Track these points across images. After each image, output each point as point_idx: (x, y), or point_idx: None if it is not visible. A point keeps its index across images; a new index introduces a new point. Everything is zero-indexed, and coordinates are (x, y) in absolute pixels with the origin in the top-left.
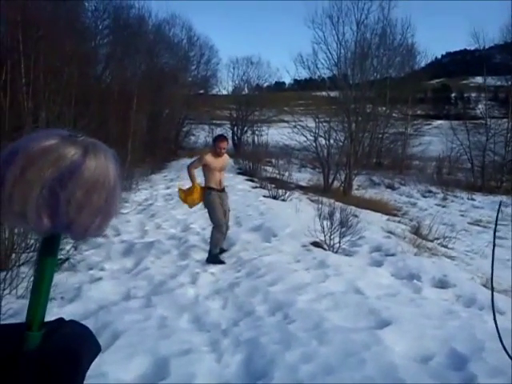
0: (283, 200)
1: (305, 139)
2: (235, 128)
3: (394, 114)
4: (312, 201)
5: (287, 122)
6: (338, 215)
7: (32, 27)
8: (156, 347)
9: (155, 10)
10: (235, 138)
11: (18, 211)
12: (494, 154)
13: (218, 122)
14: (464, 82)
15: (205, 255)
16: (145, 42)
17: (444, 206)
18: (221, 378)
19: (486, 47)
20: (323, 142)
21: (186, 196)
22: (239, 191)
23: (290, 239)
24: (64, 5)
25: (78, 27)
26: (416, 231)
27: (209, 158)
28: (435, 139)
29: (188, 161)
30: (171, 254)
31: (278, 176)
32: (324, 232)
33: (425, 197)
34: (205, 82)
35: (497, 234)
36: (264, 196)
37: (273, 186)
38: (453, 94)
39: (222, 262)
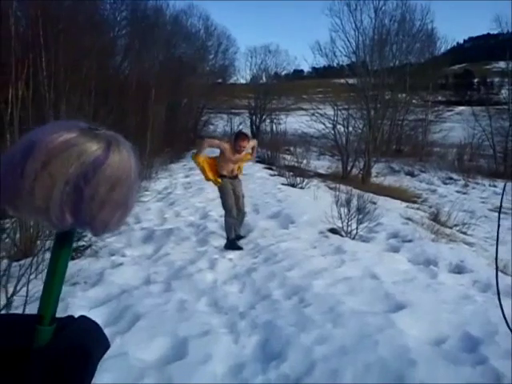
0: (301, 188)
1: (323, 127)
2: (253, 117)
3: (414, 101)
4: (330, 188)
5: (306, 109)
6: (355, 202)
7: (52, 21)
8: (175, 329)
9: (172, 1)
10: (254, 126)
11: (40, 206)
12: None
13: (237, 110)
14: (487, 66)
15: (223, 242)
16: (162, 33)
17: (465, 193)
18: (237, 359)
19: (510, 31)
20: (342, 129)
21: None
22: (258, 179)
23: (307, 226)
24: None
25: (96, 19)
26: (435, 218)
27: (227, 150)
28: (457, 125)
29: (207, 150)
30: (190, 240)
31: (296, 164)
32: (341, 219)
33: (445, 184)
34: (223, 72)
35: None
36: (282, 184)
37: (291, 173)
38: (475, 80)
39: (239, 248)
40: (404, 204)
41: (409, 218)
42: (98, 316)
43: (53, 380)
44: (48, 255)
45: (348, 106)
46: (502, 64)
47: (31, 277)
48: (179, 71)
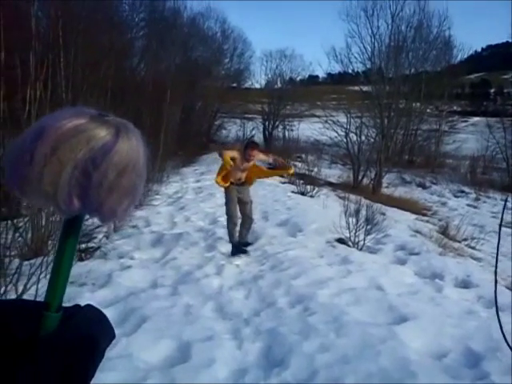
0: (311, 196)
1: (336, 135)
2: (266, 122)
3: (428, 110)
4: (340, 197)
5: (319, 116)
6: (364, 212)
7: (72, 22)
8: (180, 332)
9: (190, 3)
10: (266, 132)
11: (48, 191)
12: None
13: (250, 115)
14: (505, 76)
15: (230, 248)
16: (179, 35)
17: (475, 207)
18: (240, 364)
19: None
20: (354, 137)
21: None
22: (268, 186)
23: (315, 235)
24: None
25: (115, 20)
26: (443, 231)
27: (237, 157)
28: (471, 137)
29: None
30: (198, 245)
31: (307, 172)
32: (349, 229)
33: (456, 197)
34: (238, 76)
35: None
36: (292, 192)
37: (301, 181)
38: (492, 90)
39: (243, 252)
40: (413, 216)
41: (417, 231)
42: None
43: (60, 367)
44: None
45: (361, 114)
46: None
47: (41, 276)
48: (195, 74)
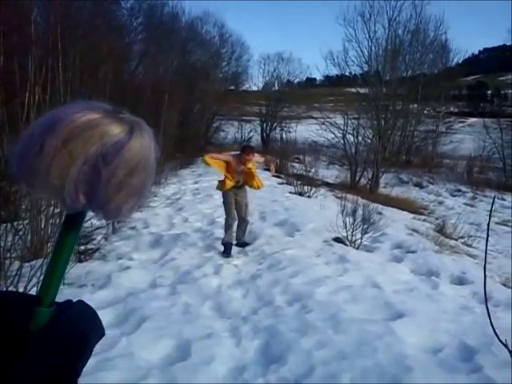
0: (309, 196)
1: (333, 136)
2: (264, 124)
3: (425, 112)
4: (337, 198)
5: (316, 118)
6: (360, 212)
7: (72, 27)
8: (180, 331)
9: (188, 8)
10: (264, 134)
11: (55, 184)
12: None
13: (248, 118)
14: (501, 78)
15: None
16: (178, 39)
17: (472, 206)
18: (239, 361)
19: None
20: (351, 139)
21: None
22: (266, 187)
23: (312, 235)
24: (102, 4)
25: (114, 26)
26: (440, 230)
27: (233, 161)
28: (467, 137)
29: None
30: (197, 246)
31: (304, 173)
32: (346, 228)
33: (453, 196)
34: (235, 79)
35: None
36: (290, 192)
37: (299, 182)
38: (489, 91)
39: (227, 253)
40: (411, 215)
41: (414, 230)
42: (105, 317)
43: (49, 363)
44: None
45: (358, 116)
46: None
47: (41, 277)
48: (193, 77)
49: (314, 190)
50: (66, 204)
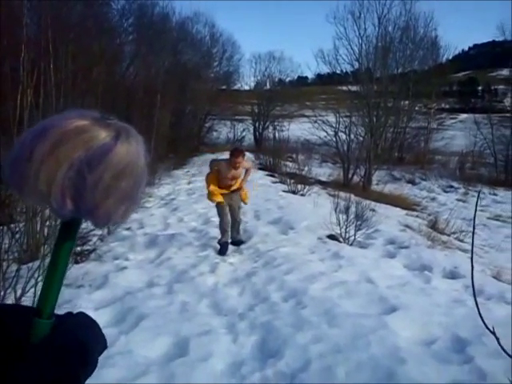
0: (302, 195)
1: (325, 134)
2: (257, 123)
3: (416, 108)
4: (331, 195)
5: (308, 116)
6: (353, 209)
7: (63, 30)
8: (178, 329)
9: (179, 8)
10: (257, 133)
11: (42, 190)
12: None
13: (240, 117)
14: (491, 74)
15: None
16: (168, 40)
17: (464, 201)
18: (236, 357)
19: None
20: (344, 137)
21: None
22: (259, 186)
23: (306, 232)
24: (92, 6)
25: (105, 27)
26: (433, 225)
27: (223, 168)
28: (459, 133)
29: (210, 156)
30: (192, 245)
31: (297, 171)
32: (340, 225)
33: (446, 192)
34: (227, 78)
35: None
36: (283, 191)
37: (292, 181)
38: (479, 87)
39: (222, 251)
40: (403, 212)
41: (407, 225)
42: (103, 316)
43: (50, 374)
44: None
45: (350, 114)
46: (506, 71)
47: (39, 279)
48: (184, 77)
49: (307, 188)
50: (55, 210)
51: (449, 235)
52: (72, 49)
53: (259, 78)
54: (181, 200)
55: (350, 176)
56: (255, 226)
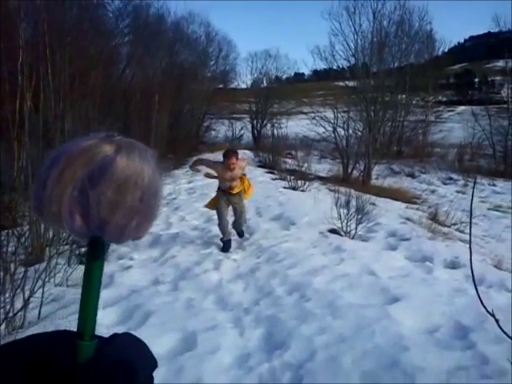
0: (302, 191)
1: (324, 130)
2: (255, 121)
3: (414, 102)
4: (331, 191)
5: (306, 113)
6: (354, 203)
7: (59, 34)
8: (184, 324)
9: (174, 8)
10: (255, 131)
11: (54, 212)
12: None
13: (238, 115)
14: (488, 65)
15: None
16: (164, 40)
17: (464, 193)
18: (243, 349)
19: (510, 29)
20: (342, 132)
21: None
22: (259, 183)
23: (308, 227)
24: (88, 9)
25: (101, 29)
26: (433, 217)
27: (220, 169)
28: (457, 125)
29: (209, 156)
30: (195, 243)
31: (297, 168)
32: (341, 219)
33: (445, 184)
34: (224, 77)
35: None
36: (283, 187)
37: (292, 177)
38: (476, 79)
39: (224, 248)
40: (404, 205)
41: (407, 218)
42: (110, 315)
43: None
44: (59, 260)
45: (348, 109)
46: (502, 63)
47: (46, 280)
48: (181, 78)
49: (307, 184)
50: (69, 229)
51: (449, 226)
52: (69, 52)
53: (256, 75)
54: (182, 199)
55: (349, 171)
56: (257, 223)
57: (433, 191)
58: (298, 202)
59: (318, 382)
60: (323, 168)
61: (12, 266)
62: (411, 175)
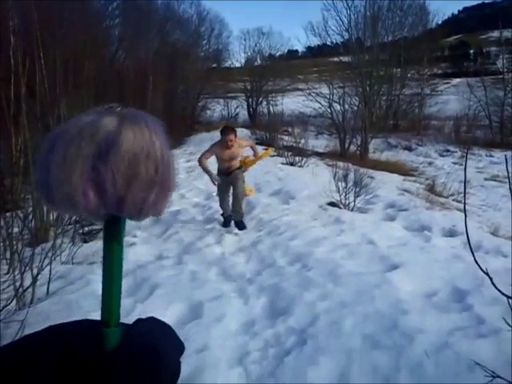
0: (300, 166)
1: (319, 106)
2: (250, 99)
3: (409, 75)
4: (329, 165)
5: (302, 90)
6: (352, 176)
7: (49, 23)
8: (190, 295)
9: None
10: (250, 109)
11: (66, 196)
12: None
13: (233, 94)
14: (483, 36)
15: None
16: (155, 21)
17: (461, 164)
18: (248, 316)
19: None
20: (338, 107)
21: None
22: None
23: (307, 201)
24: None
25: (91, 12)
26: (430, 188)
27: (217, 150)
28: (453, 98)
29: (205, 135)
30: (197, 219)
31: (294, 144)
32: (339, 192)
33: (442, 156)
34: (217, 56)
35: None
36: (282, 163)
37: (290, 153)
38: (471, 50)
39: (226, 224)
40: (401, 177)
41: (405, 190)
42: None
43: (129, 380)
44: (64, 240)
45: (343, 84)
46: (496, 33)
47: (52, 258)
48: (174, 58)
49: (305, 159)
50: (85, 211)
51: (447, 197)
52: (60, 36)
53: (249, 54)
54: (181, 178)
55: (346, 146)
56: (257, 198)
57: (430, 163)
58: (296, 177)
59: (320, 345)
60: (320, 144)
61: (19, 244)
62: (408, 148)
